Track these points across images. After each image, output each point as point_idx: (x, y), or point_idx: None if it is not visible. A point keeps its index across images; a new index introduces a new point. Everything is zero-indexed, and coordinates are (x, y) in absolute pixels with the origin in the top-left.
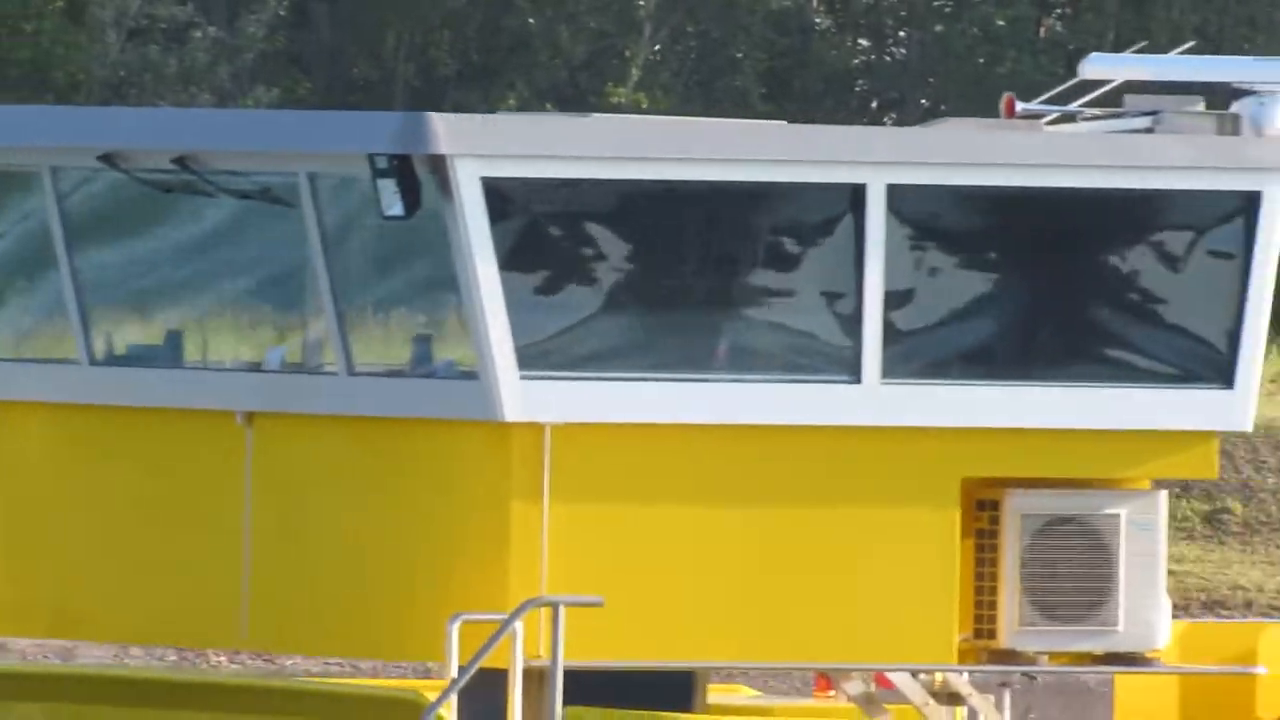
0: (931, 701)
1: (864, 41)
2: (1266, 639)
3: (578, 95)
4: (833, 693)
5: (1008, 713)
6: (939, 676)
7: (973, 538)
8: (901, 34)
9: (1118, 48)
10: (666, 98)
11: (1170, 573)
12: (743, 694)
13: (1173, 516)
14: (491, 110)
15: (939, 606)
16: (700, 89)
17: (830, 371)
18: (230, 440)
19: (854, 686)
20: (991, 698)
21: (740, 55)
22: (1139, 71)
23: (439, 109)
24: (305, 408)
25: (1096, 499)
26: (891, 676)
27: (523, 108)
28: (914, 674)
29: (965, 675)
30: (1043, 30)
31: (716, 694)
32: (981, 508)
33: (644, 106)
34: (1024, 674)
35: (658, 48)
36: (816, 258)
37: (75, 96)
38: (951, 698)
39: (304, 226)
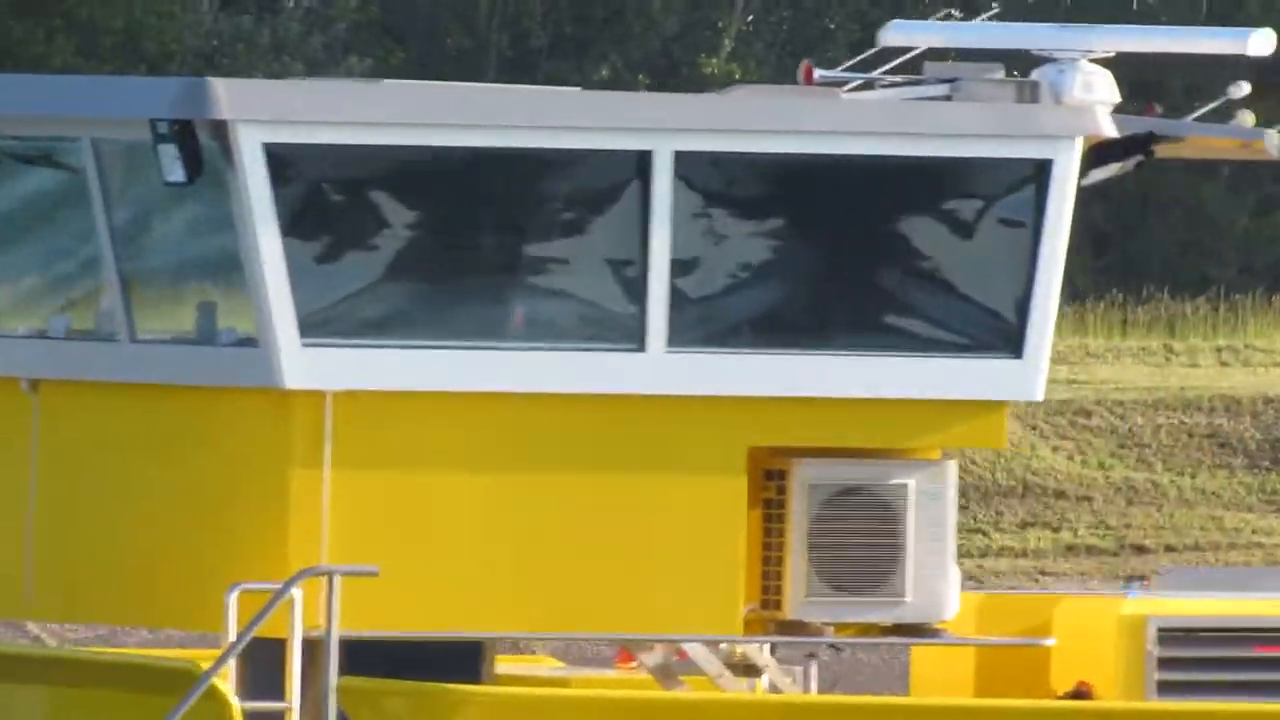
0: (727, 673)
1: (956, 12)
2: (1060, 611)
3: (670, 67)
4: (634, 664)
5: (815, 684)
6: (738, 649)
7: (760, 508)
8: (994, 5)
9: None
10: (759, 69)
11: (1260, 545)
12: (546, 665)
13: (1263, 489)
14: (585, 82)
15: (724, 577)
16: (793, 60)
17: (616, 340)
18: (16, 407)
19: (653, 658)
20: (798, 669)
21: (833, 26)
22: (938, 39)
23: (532, 80)
24: (90, 375)
25: (885, 469)
26: (686, 648)
27: (615, 79)
28: (712, 645)
29: (766, 647)
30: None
31: (515, 665)
32: (769, 478)
33: (737, 78)
34: (830, 645)
35: (750, 19)
36: (603, 225)
37: (168, 66)
38: (749, 669)
39: (87, 192)
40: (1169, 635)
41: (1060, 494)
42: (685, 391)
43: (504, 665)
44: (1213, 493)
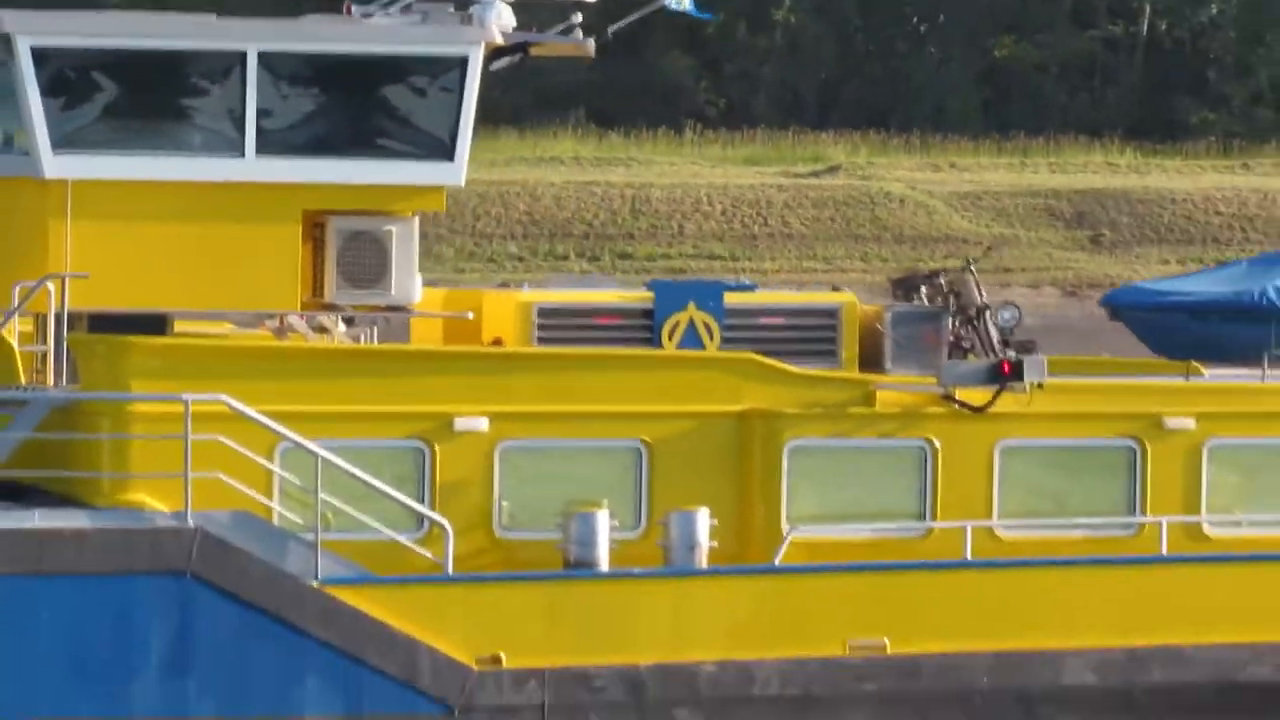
0: (311, 332)
1: None
2: (487, 299)
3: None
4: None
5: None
6: (318, 319)
7: (311, 243)
8: None
9: None
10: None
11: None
12: (226, 326)
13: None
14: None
15: (289, 277)
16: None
17: (228, 151)
18: None
19: (272, 324)
20: (342, 327)
21: None
22: None
23: (221, 10)
24: None
25: (379, 221)
26: (289, 319)
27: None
28: (304, 318)
29: (340, 321)
30: None
31: (201, 328)
32: (316, 227)
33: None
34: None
35: None
36: (223, 87)
37: None
38: (323, 330)
39: None
40: (544, 311)
41: None
42: (269, 180)
43: (191, 327)
44: None
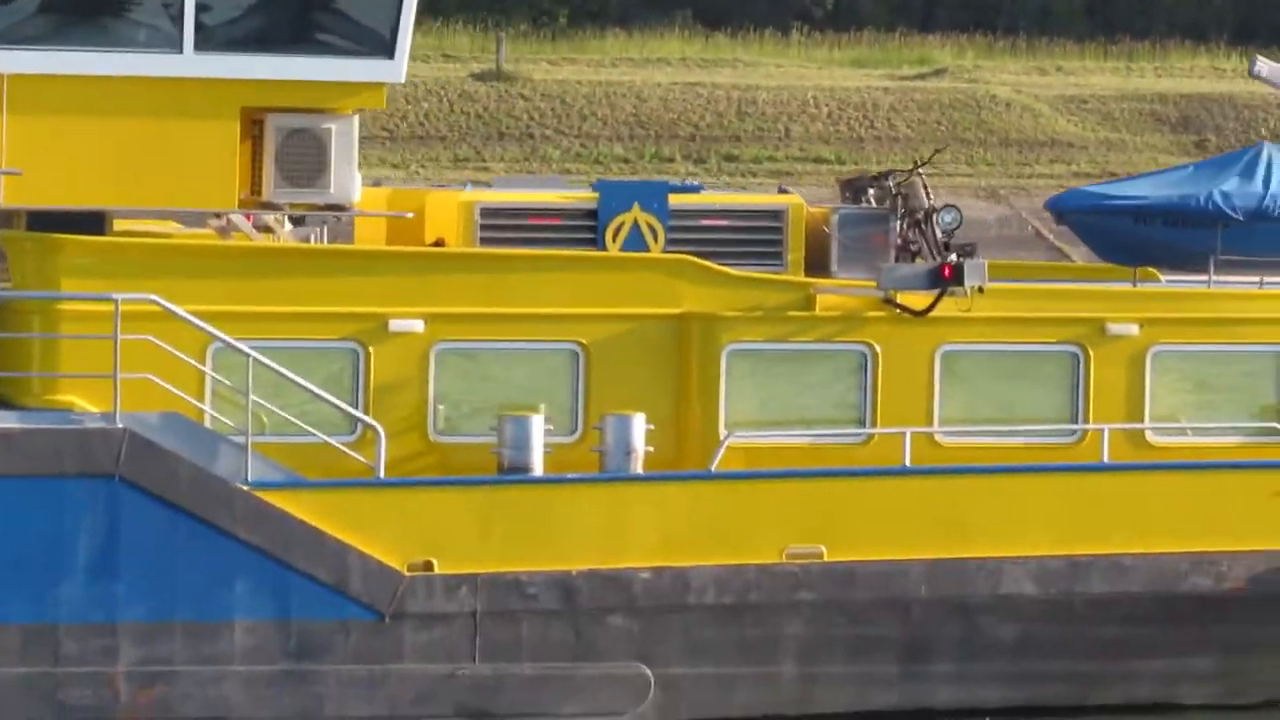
0: (255, 231)
1: None
2: (429, 199)
3: None
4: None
5: (325, 238)
6: (265, 217)
7: (250, 141)
8: None
9: None
10: None
11: None
12: (170, 225)
13: None
14: None
15: (227, 174)
16: None
17: (167, 47)
18: None
19: (217, 224)
20: (289, 227)
21: None
22: None
23: None
24: None
25: (319, 119)
26: (233, 218)
27: None
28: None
29: (285, 221)
30: None
31: (142, 225)
32: (254, 124)
33: None
34: (293, 220)
35: None
36: None
37: None
38: (268, 230)
39: None
40: (486, 211)
41: None
42: (205, 75)
43: (135, 226)
44: None
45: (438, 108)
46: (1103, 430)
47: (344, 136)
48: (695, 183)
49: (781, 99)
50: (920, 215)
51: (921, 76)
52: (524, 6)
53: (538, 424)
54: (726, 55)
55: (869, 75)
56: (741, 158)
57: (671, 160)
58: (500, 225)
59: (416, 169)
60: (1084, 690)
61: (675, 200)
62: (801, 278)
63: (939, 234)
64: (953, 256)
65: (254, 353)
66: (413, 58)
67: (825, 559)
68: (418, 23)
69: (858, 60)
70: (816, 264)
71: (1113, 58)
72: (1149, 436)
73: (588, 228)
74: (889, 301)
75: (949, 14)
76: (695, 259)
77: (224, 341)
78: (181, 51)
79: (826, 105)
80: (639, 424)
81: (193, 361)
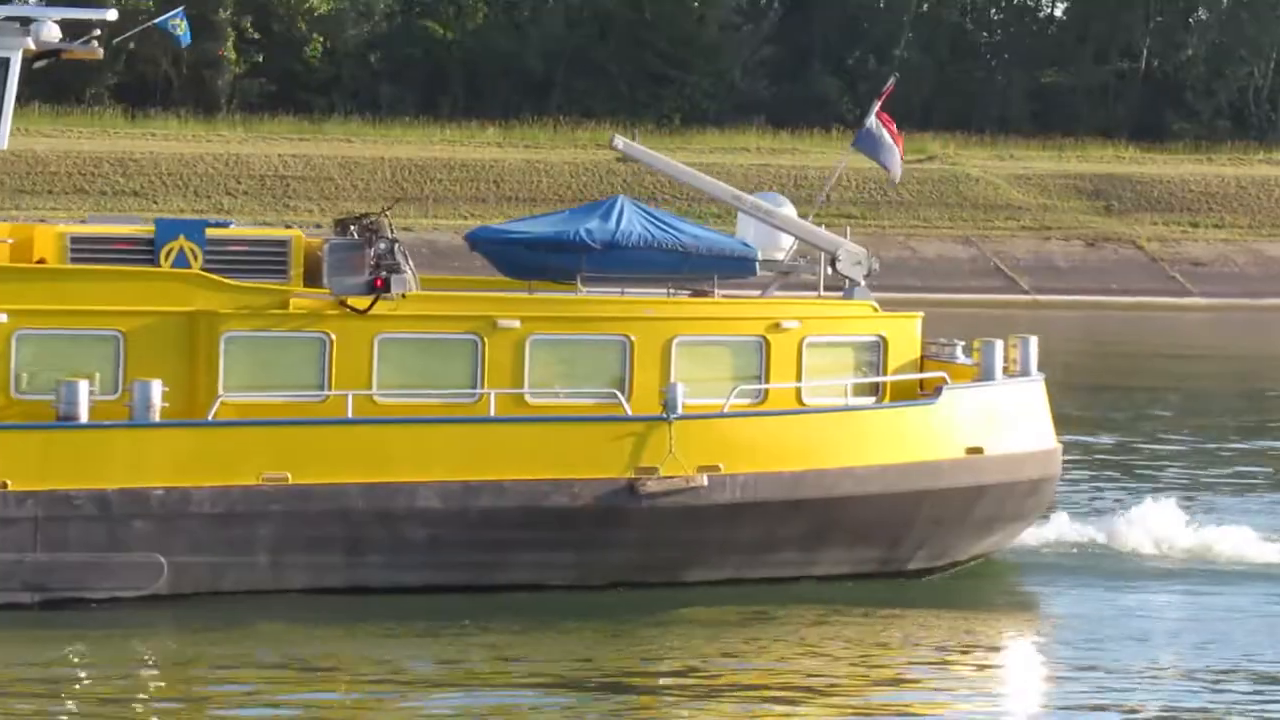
0: None
1: None
2: (37, 231)
3: None
4: None
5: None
6: None
7: None
8: None
9: None
10: None
11: None
12: None
13: None
14: None
15: None
16: None
17: None
18: None
19: None
20: None
21: None
22: None
23: None
24: None
25: None
26: None
27: None
28: None
29: None
30: None
31: None
32: None
33: None
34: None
35: None
36: None
37: None
38: None
39: None
40: (76, 240)
41: None
42: None
43: None
44: None
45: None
46: (490, 394)
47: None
48: (228, 220)
49: (823, 174)
50: (384, 245)
51: (919, 161)
52: (651, 111)
53: (84, 386)
54: (788, 146)
55: None
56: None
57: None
58: (86, 250)
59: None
60: (480, 574)
61: (211, 232)
62: (281, 286)
63: (408, 259)
64: (384, 272)
65: None
66: None
67: (290, 481)
68: None
69: None
70: (314, 277)
71: (1050, 148)
72: (527, 398)
73: (147, 252)
74: (341, 303)
75: (938, 118)
76: (204, 273)
77: None
78: None
79: (854, 180)
80: (157, 387)
81: None
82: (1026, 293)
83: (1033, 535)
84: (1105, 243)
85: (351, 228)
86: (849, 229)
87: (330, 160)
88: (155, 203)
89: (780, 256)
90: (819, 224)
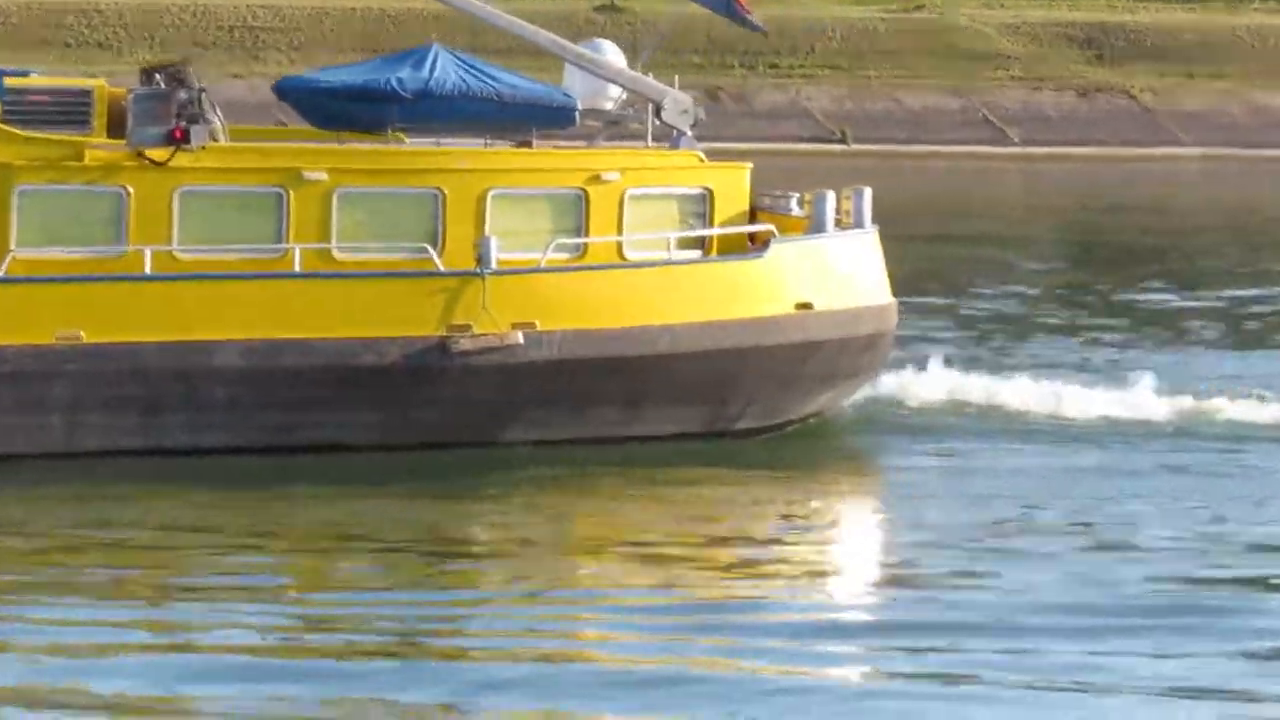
0: None
1: None
2: None
3: None
4: None
5: None
6: None
7: None
8: None
9: None
10: None
11: None
12: None
13: None
14: None
15: None
16: None
17: None
18: None
19: None
20: None
21: None
22: None
23: None
24: None
25: None
26: None
27: None
28: None
29: None
30: None
31: None
32: None
33: None
34: None
35: None
36: None
37: None
38: None
39: None
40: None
41: None
42: None
43: None
44: None
45: None
46: (295, 249)
47: None
48: (29, 69)
49: (807, 25)
50: (189, 94)
51: (907, 11)
52: None
53: None
54: None
55: (869, 9)
56: (781, 65)
57: (732, 67)
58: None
59: None
60: (280, 435)
61: (10, 82)
62: (80, 137)
63: (217, 111)
64: (183, 122)
65: None
66: None
67: (84, 340)
68: None
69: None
70: (119, 127)
71: None
72: (335, 254)
73: None
74: (140, 155)
75: None
76: None
77: None
78: None
79: (839, 29)
80: None
81: None
82: (1016, 145)
83: (869, 392)
84: (1098, 93)
85: (157, 76)
86: (827, 90)
87: (300, 10)
88: (120, 54)
89: (609, 107)
90: (803, 79)
